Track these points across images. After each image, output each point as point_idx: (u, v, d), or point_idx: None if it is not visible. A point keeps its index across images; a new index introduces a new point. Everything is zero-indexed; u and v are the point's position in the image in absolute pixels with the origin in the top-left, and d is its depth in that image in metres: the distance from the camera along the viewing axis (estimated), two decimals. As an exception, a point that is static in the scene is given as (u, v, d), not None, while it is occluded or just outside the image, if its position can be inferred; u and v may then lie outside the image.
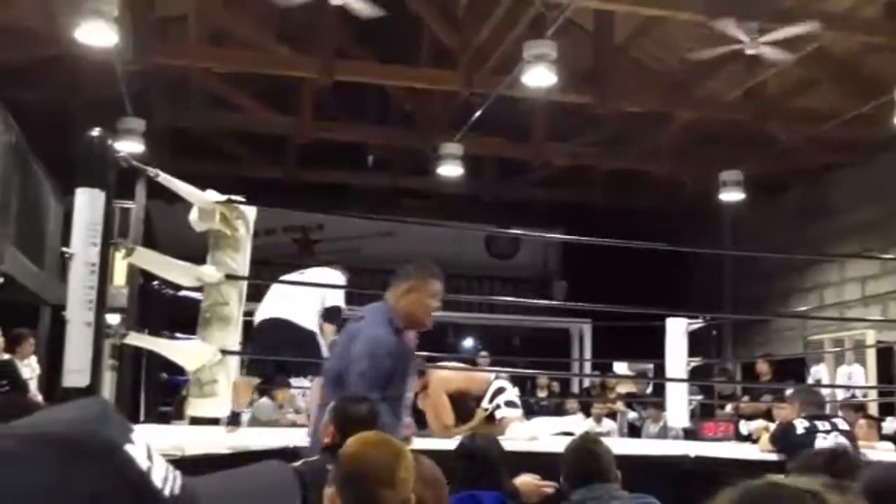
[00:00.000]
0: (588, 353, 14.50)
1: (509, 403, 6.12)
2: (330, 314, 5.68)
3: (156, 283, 6.13)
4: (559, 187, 14.64)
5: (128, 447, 0.70)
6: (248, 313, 5.21)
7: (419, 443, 4.00)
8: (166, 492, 0.71)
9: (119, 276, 5.48)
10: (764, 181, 12.31)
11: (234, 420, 5.60)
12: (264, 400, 9.00)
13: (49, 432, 0.66)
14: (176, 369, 6.64)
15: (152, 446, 0.72)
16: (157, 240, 9.69)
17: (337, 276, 5.94)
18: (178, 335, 5.69)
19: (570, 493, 3.12)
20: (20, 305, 9.34)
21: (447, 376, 6.22)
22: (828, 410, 6.55)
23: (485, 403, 6.07)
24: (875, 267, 11.43)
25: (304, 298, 5.60)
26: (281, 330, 5.49)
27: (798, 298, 12.79)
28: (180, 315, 6.23)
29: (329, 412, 3.10)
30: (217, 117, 12.26)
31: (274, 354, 5.61)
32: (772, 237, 12.93)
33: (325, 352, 5.39)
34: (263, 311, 5.65)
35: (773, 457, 4.69)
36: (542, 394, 12.05)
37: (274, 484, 0.87)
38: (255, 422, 8.47)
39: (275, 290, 5.80)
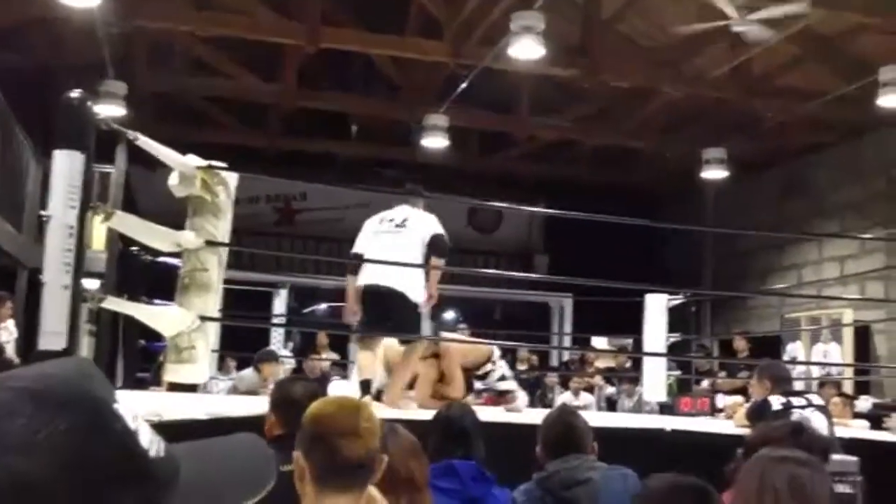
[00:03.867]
0: (568, 328, 14.55)
1: (502, 378, 6.19)
2: (439, 248, 5.39)
3: (134, 248, 6.08)
4: (543, 161, 14.63)
5: (115, 405, 0.70)
6: (228, 281, 5.17)
7: (394, 414, 4.01)
8: (152, 453, 0.71)
9: (98, 240, 5.43)
10: (747, 159, 12.35)
11: (365, 389, 5.32)
12: (248, 371, 8.98)
13: (32, 388, 0.65)
14: (154, 335, 6.60)
15: (136, 409, 0.72)
16: (136, 205, 9.62)
17: (432, 219, 5.59)
18: (156, 301, 5.65)
19: (546, 463, 3.13)
20: (-2, 268, 9.27)
21: (464, 350, 6.19)
22: (802, 387, 6.63)
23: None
24: (854, 247, 11.51)
25: (409, 257, 5.30)
26: (393, 299, 5.25)
27: (777, 277, 12.87)
28: (159, 281, 6.19)
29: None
30: (200, 83, 12.14)
31: (381, 322, 5.36)
32: (753, 215, 12.99)
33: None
34: (371, 276, 5.33)
35: (748, 432, 4.73)
36: (522, 367, 12.09)
37: (251, 456, 0.87)
38: (234, 391, 8.45)
39: (378, 246, 5.41)
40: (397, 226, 5.45)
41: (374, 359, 5.45)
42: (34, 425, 0.63)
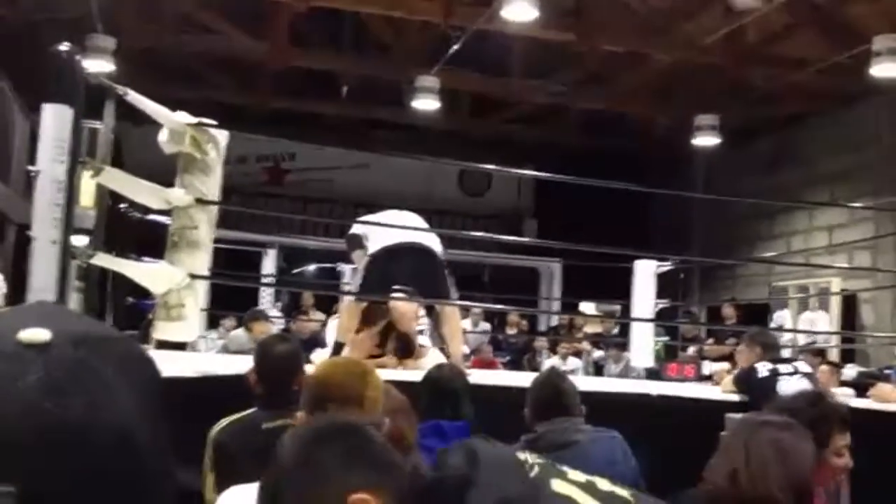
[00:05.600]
0: (557, 293, 14.60)
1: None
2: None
3: (123, 205, 6.04)
4: (534, 125, 14.57)
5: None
6: (218, 240, 5.14)
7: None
8: None
9: (86, 196, 5.39)
10: (738, 127, 12.33)
11: (336, 350, 5.24)
12: (239, 331, 8.97)
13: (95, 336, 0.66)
14: (143, 293, 6.58)
15: None
16: (125, 162, 9.55)
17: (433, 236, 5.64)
18: (145, 259, 5.62)
19: (534, 426, 3.15)
20: (-15, 224, 9.22)
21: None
22: (789, 354, 6.66)
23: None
24: (843, 216, 11.54)
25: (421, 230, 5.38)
26: (425, 257, 5.21)
27: (766, 245, 12.92)
28: (148, 238, 6.16)
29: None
30: (189, 40, 12.00)
31: (402, 280, 5.19)
32: (743, 183, 13.00)
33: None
34: (395, 237, 5.21)
35: (735, 398, 4.76)
36: (511, 331, 12.15)
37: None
38: (224, 351, 8.46)
39: (397, 221, 5.36)
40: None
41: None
42: (111, 377, 0.63)
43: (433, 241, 5.34)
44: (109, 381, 0.62)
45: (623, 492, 1.68)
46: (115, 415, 0.61)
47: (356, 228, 5.62)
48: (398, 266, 5.16)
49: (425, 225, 5.61)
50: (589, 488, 1.63)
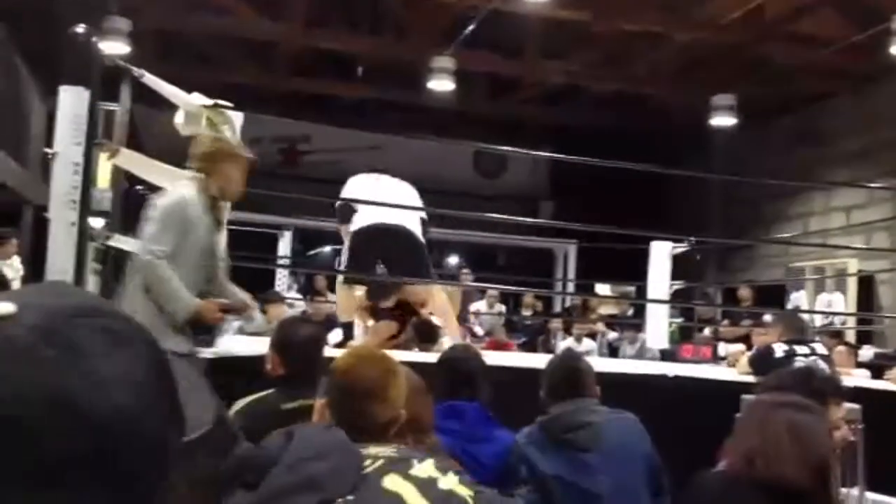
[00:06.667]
0: (572, 274, 14.58)
1: None
2: (426, 225, 5.43)
3: (139, 187, 6.07)
4: (550, 106, 14.50)
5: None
6: (232, 222, 5.15)
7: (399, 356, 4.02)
8: None
9: (103, 178, 5.41)
10: (757, 106, 12.23)
11: (346, 331, 5.21)
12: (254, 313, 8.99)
13: (107, 325, 0.66)
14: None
15: None
16: (141, 144, 9.58)
17: (412, 191, 5.61)
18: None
19: (549, 407, 3.16)
20: (3, 205, 9.27)
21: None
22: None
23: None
24: (861, 196, 11.45)
25: (409, 208, 5.31)
26: (399, 238, 5.17)
27: (783, 225, 12.84)
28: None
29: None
30: (205, 21, 11.99)
31: (379, 261, 5.25)
32: (762, 163, 12.91)
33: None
34: (370, 217, 5.24)
35: (751, 379, 4.75)
36: (526, 312, 12.15)
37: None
38: (241, 332, 8.49)
39: (372, 194, 5.35)
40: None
41: (355, 302, 5.38)
42: (120, 364, 0.63)
43: (411, 220, 5.27)
44: (82, 355, 0.61)
45: (465, 490, 1.71)
46: (78, 389, 0.60)
47: (341, 201, 5.57)
48: (374, 246, 5.17)
49: (406, 188, 5.55)
50: (425, 486, 1.66)
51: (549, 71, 12.69)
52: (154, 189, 5.60)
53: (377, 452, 1.74)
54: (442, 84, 11.37)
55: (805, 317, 9.24)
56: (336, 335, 6.02)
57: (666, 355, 8.24)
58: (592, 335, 10.97)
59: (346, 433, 1.91)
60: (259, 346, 4.65)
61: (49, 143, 3.56)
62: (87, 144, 3.40)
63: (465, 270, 12.39)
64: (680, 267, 8.26)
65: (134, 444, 0.62)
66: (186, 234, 3.56)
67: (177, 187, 3.72)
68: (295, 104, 13.99)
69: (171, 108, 4.50)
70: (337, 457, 1.67)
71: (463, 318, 10.38)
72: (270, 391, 2.98)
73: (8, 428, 0.58)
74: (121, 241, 4.33)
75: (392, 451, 1.77)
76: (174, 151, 4.99)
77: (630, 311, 11.57)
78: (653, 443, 3.15)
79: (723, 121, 11.63)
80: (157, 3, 11.31)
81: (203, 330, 3.69)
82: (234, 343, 5.49)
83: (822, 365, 4.44)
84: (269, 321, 9.03)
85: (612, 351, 10.79)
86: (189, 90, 4.51)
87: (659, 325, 7.75)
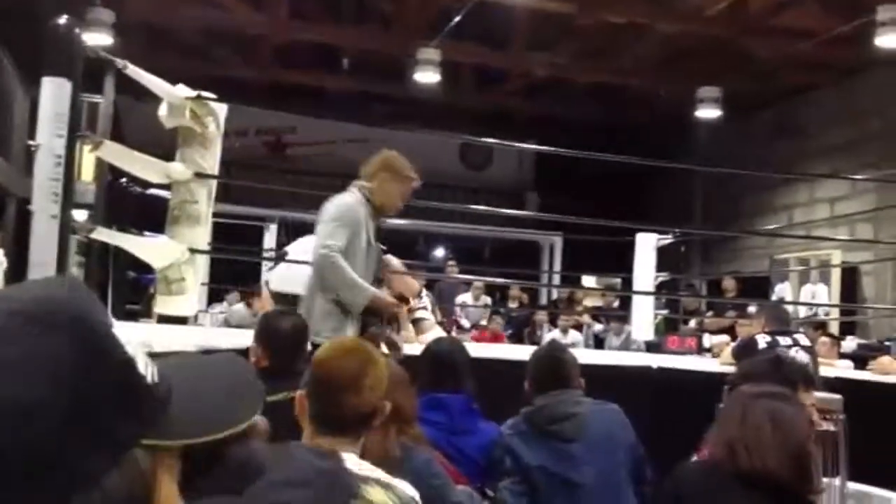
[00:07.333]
0: (558, 266, 14.60)
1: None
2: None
3: (123, 179, 6.04)
4: (536, 98, 14.50)
5: (112, 330, 0.70)
6: (218, 214, 5.14)
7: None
8: (148, 378, 0.71)
9: (86, 171, 5.39)
10: (740, 99, 12.26)
11: None
12: (239, 306, 8.99)
13: (29, 311, 0.64)
14: (144, 267, 6.60)
15: (129, 336, 0.72)
16: (124, 136, 9.53)
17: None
18: (146, 233, 5.63)
19: (533, 398, 3.16)
20: (-14, 198, 9.21)
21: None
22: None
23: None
24: (845, 188, 11.51)
25: None
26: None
27: (767, 217, 12.89)
28: (148, 213, 6.15)
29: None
30: (189, 13, 11.92)
31: None
32: (745, 155, 12.95)
33: None
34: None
35: (734, 370, 4.77)
36: (512, 304, 12.16)
37: (238, 376, 0.86)
38: (225, 325, 8.49)
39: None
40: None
41: None
42: (33, 350, 0.62)
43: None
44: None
45: None
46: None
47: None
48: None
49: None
50: None
51: (534, 63, 12.68)
52: (138, 182, 5.58)
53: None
54: (428, 76, 11.36)
55: (789, 308, 9.30)
56: None
57: (651, 347, 8.28)
58: (578, 327, 11.00)
59: (325, 425, 1.91)
60: (243, 338, 4.65)
61: (33, 136, 3.53)
62: (69, 136, 3.38)
63: (451, 262, 12.38)
64: (665, 259, 8.29)
65: (7, 442, 0.58)
66: (356, 235, 3.81)
67: (344, 194, 3.97)
68: (280, 96, 13.94)
69: (155, 99, 4.48)
70: (321, 487, 1.68)
71: (449, 310, 10.39)
72: None
73: None
74: (104, 234, 4.32)
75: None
76: (158, 143, 4.98)
77: (616, 303, 11.59)
78: (638, 433, 3.17)
79: (707, 112, 11.67)
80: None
81: (373, 319, 3.87)
82: (219, 335, 5.49)
83: (805, 356, 4.46)
84: (254, 314, 9.06)
85: (598, 342, 10.82)
86: (174, 82, 4.49)
87: (644, 317, 7.79)
